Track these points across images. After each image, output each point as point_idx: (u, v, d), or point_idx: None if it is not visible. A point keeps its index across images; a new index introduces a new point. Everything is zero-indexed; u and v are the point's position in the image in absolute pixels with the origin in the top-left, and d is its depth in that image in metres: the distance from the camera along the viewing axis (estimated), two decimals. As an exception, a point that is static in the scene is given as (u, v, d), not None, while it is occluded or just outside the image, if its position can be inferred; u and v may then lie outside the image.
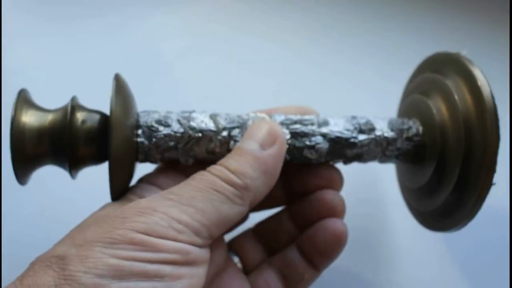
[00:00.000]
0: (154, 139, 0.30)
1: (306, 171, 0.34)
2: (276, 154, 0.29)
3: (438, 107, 0.33)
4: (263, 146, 0.29)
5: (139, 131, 0.30)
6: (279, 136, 0.30)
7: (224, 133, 0.31)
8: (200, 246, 0.26)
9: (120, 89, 0.30)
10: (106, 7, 0.53)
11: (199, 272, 0.26)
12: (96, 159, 0.30)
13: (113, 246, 0.24)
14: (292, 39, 0.51)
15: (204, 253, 0.27)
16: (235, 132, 0.31)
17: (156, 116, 0.31)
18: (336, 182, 0.34)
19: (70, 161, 0.29)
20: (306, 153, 0.32)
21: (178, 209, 0.26)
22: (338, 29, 0.53)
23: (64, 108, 0.30)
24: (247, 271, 0.34)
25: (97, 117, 0.30)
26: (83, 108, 0.30)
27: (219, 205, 0.27)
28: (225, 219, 0.27)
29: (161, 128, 0.30)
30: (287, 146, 0.31)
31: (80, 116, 0.29)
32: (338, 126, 0.32)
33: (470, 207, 0.30)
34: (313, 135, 0.32)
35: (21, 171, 0.29)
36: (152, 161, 0.31)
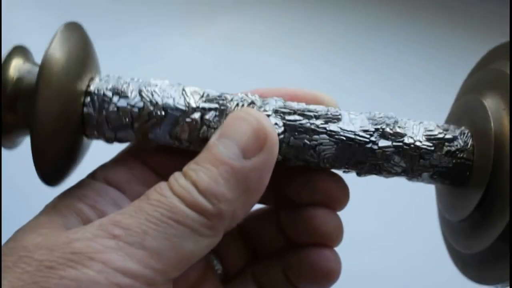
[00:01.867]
0: (104, 112, 0.23)
1: (300, 178, 0.26)
2: (263, 165, 0.22)
3: (497, 111, 0.24)
4: (246, 152, 0.21)
5: (87, 99, 0.23)
6: (269, 138, 0.22)
7: (195, 115, 0.23)
8: None
9: (70, 38, 0.23)
10: (124, 27, 0.52)
11: None
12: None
13: None
14: (308, 59, 0.51)
15: None
16: (210, 115, 0.23)
17: (112, 83, 0.24)
18: (338, 200, 0.26)
19: None
20: (305, 153, 0.24)
21: (124, 254, 0.19)
22: (351, 49, 0.52)
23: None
24: (227, 277, 0.28)
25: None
26: (27, 60, 0.24)
27: (181, 242, 0.20)
28: (188, 257, 0.21)
29: (115, 98, 0.23)
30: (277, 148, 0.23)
31: (16, 68, 0.23)
32: (353, 125, 0.24)
33: None
34: (317, 132, 0.24)
35: None
36: (106, 140, 0.24)
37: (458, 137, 0.25)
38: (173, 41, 0.52)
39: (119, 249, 0.19)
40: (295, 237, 0.27)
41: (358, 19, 0.54)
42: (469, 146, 0.24)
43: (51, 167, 0.23)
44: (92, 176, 0.25)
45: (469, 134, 0.25)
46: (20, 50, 0.24)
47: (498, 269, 0.23)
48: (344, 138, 0.24)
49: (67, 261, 0.19)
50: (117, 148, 0.26)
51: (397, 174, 0.25)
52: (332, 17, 0.54)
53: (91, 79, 0.24)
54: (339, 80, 0.49)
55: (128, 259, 0.19)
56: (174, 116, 0.23)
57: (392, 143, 0.24)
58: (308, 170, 0.25)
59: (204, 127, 0.24)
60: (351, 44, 0.52)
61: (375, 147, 0.24)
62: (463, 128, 0.25)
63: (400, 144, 0.24)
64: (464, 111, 0.26)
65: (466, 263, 0.26)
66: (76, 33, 0.24)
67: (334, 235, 0.26)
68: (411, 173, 0.25)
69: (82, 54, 0.23)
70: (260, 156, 0.22)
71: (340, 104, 0.47)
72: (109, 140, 0.24)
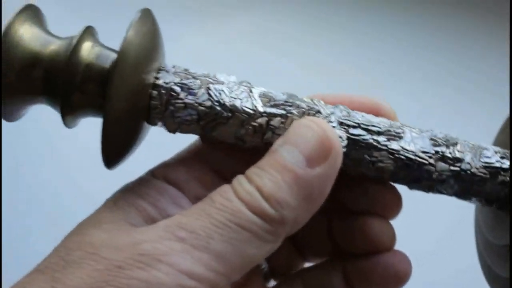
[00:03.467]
0: (171, 107, 0.23)
1: (355, 184, 0.26)
2: (326, 175, 0.22)
3: None
4: (311, 161, 0.22)
5: (155, 92, 0.23)
6: (333, 149, 0.22)
7: (261, 120, 0.24)
8: None
9: (145, 24, 0.23)
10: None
11: None
12: (97, 109, 0.23)
13: None
14: (326, 58, 0.52)
15: None
16: (276, 121, 0.24)
17: (179, 77, 0.24)
18: (392, 208, 0.26)
19: (63, 104, 0.23)
20: (363, 167, 0.24)
21: (190, 256, 0.20)
22: (370, 47, 0.53)
23: (71, 37, 0.23)
24: (272, 275, 0.28)
25: (111, 56, 0.23)
26: (97, 42, 0.24)
27: (244, 246, 0.21)
28: (250, 261, 0.21)
29: (182, 94, 0.23)
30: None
31: (88, 50, 0.23)
32: (414, 144, 0.24)
33: None
34: (378, 149, 0.24)
35: (7, 102, 0.23)
36: (168, 130, 0.24)
37: None
38: (190, 38, 0.52)
39: (185, 251, 0.20)
40: (346, 244, 0.27)
41: (377, 16, 0.54)
42: None
43: (115, 150, 0.23)
44: (152, 173, 0.25)
45: None
46: (90, 31, 0.24)
47: None
48: (404, 158, 0.24)
49: (135, 262, 0.20)
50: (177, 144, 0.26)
51: (448, 195, 0.25)
52: (351, 16, 0.54)
53: (160, 67, 0.24)
54: (356, 78, 0.49)
55: (194, 261, 0.20)
56: (240, 119, 0.23)
57: (449, 167, 0.24)
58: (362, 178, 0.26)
59: (269, 133, 0.24)
60: (369, 42, 0.52)
61: (433, 169, 0.24)
62: None
63: (457, 169, 0.24)
64: None
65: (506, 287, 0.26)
66: (149, 20, 0.24)
67: (389, 245, 0.26)
68: (462, 196, 0.25)
69: (154, 42, 0.24)
70: (324, 166, 0.22)
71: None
72: (170, 131, 0.24)
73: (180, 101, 0.23)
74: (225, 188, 0.22)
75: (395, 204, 0.26)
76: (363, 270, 0.26)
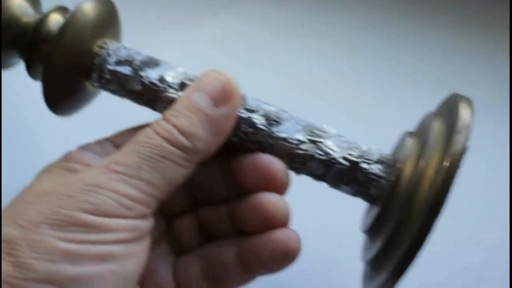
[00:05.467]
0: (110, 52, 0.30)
1: (245, 163, 0.29)
2: (230, 113, 0.27)
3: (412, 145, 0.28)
4: (216, 102, 0.27)
5: (97, 50, 0.30)
6: (235, 93, 0.27)
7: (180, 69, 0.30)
8: (147, 217, 0.25)
9: (102, 5, 0.30)
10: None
11: (145, 246, 0.26)
12: None
13: (62, 228, 0.23)
14: (302, 62, 0.50)
15: (149, 224, 0.26)
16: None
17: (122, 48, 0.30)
18: (279, 181, 0.28)
19: (26, 58, 0.30)
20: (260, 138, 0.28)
21: (125, 183, 0.25)
22: (350, 51, 0.51)
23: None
24: (179, 250, 0.31)
25: None
26: (64, 16, 0.31)
27: (168, 173, 0.25)
28: (173, 184, 0.26)
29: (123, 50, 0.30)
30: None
31: (52, 21, 0.30)
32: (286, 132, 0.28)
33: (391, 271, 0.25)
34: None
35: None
36: (102, 82, 0.30)
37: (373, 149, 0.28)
38: (163, 45, 0.49)
39: (121, 180, 0.25)
40: (246, 225, 0.29)
41: (360, 20, 0.52)
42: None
43: (55, 97, 0.30)
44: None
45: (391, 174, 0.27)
46: (61, 9, 0.31)
47: (377, 279, 0.27)
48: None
49: (82, 191, 0.24)
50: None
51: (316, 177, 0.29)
52: (331, 17, 0.52)
53: (106, 41, 0.30)
54: (333, 83, 0.49)
55: (129, 187, 0.25)
56: (167, 65, 0.30)
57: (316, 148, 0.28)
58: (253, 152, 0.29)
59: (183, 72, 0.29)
60: (350, 46, 0.51)
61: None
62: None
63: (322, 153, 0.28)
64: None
65: (364, 269, 0.30)
66: (108, 3, 0.31)
67: (284, 219, 0.28)
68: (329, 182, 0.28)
69: (103, 19, 0.30)
70: (227, 106, 0.27)
71: (333, 107, 0.46)
72: (106, 82, 0.30)
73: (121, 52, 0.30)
74: (147, 130, 0.26)
75: (282, 174, 0.28)
76: (256, 247, 0.28)
